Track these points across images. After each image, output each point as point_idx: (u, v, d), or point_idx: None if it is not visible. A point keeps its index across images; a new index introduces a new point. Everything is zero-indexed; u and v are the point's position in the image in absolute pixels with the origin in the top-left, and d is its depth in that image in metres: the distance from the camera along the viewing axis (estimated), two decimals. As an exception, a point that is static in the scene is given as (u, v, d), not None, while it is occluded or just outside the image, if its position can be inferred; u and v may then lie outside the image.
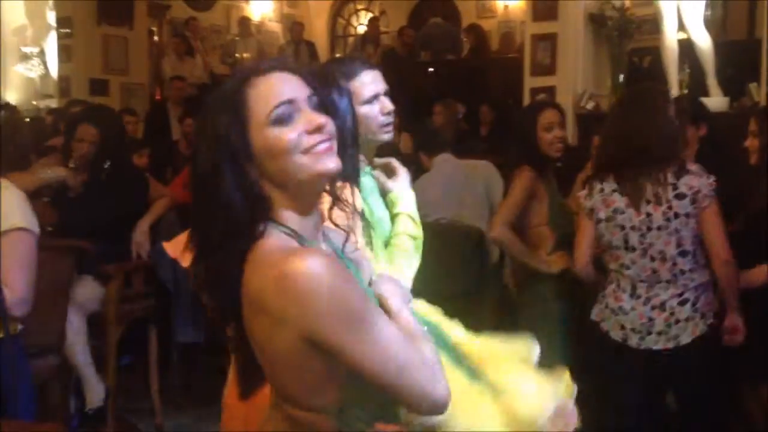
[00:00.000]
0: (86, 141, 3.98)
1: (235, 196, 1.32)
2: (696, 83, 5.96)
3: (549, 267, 3.28)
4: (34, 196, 3.79)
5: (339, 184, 1.50)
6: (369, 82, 2.12)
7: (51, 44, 9.38)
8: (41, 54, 9.76)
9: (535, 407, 1.74)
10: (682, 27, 5.92)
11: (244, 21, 11.44)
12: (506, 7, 11.84)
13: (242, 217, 1.32)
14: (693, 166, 2.79)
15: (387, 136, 2.19)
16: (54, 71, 9.39)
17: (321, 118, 1.35)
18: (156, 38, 10.57)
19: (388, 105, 2.14)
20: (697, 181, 2.75)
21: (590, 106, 6.41)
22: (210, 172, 1.33)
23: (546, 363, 3.29)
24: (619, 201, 2.83)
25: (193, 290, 1.45)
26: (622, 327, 2.88)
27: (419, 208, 2.21)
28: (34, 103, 9.72)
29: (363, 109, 2.09)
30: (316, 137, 1.34)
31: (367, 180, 2.12)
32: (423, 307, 1.91)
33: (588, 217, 2.94)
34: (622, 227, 2.84)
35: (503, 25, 11.59)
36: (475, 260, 4.15)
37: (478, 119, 7.93)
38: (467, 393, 1.66)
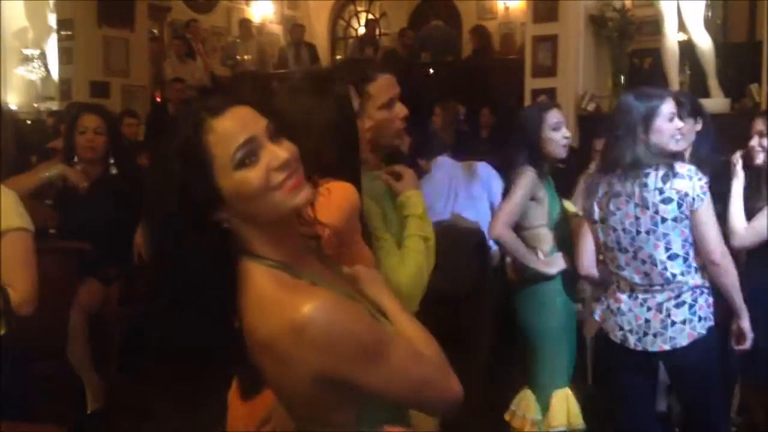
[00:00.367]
0: (90, 130, 3.95)
1: (203, 246, 1.28)
2: (697, 84, 5.97)
3: (548, 268, 3.28)
4: (36, 197, 3.81)
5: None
6: (386, 87, 2.10)
7: (52, 46, 9.38)
8: (42, 56, 9.77)
9: None
10: (682, 28, 5.93)
11: (245, 23, 11.46)
12: (507, 8, 11.85)
13: (215, 264, 1.29)
14: (683, 168, 2.74)
15: (398, 143, 2.19)
16: (55, 73, 9.39)
17: (284, 153, 1.30)
18: (156, 34, 10.57)
19: (403, 110, 2.12)
20: (685, 184, 2.71)
21: (591, 107, 6.42)
22: (170, 224, 1.28)
23: (546, 364, 3.32)
24: (612, 203, 2.84)
25: None
26: (621, 328, 2.88)
27: None
28: (35, 105, 9.73)
29: (380, 114, 2.08)
30: (284, 173, 1.29)
31: (379, 184, 2.11)
32: None
33: (588, 218, 2.95)
34: (614, 229, 2.85)
35: (504, 27, 11.59)
36: (475, 261, 4.14)
37: (478, 121, 7.94)
38: None
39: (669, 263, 2.77)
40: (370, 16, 13.03)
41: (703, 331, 2.78)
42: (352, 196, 1.77)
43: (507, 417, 3.42)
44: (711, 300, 2.83)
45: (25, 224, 2.56)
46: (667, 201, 2.73)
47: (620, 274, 2.88)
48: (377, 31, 12.77)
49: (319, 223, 1.47)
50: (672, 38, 5.94)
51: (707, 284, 2.82)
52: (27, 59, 9.76)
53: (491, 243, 3.81)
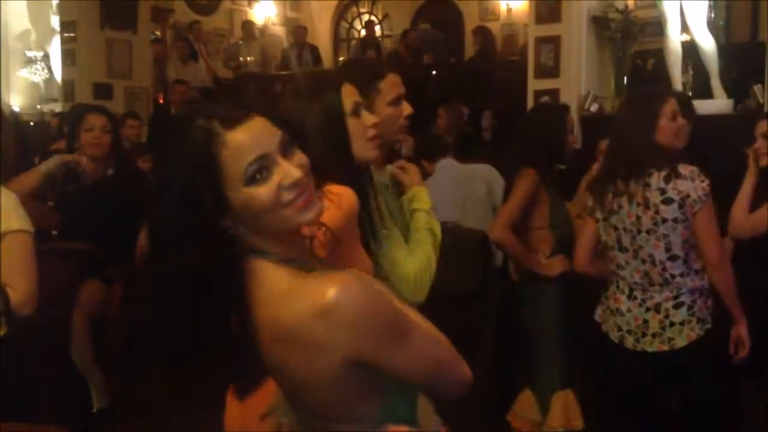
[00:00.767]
0: (97, 128, 3.98)
1: (206, 249, 1.27)
2: (699, 85, 5.96)
3: (548, 270, 3.29)
4: (39, 197, 3.81)
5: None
6: (394, 84, 2.19)
7: (55, 48, 9.41)
8: (45, 58, 9.80)
9: None
10: (685, 29, 5.92)
11: (248, 25, 11.47)
12: (509, 9, 11.86)
13: (220, 266, 1.28)
14: (685, 170, 2.73)
15: (401, 138, 2.27)
16: (58, 75, 9.41)
17: (297, 173, 1.29)
18: (159, 36, 10.58)
19: (408, 108, 2.21)
20: (687, 185, 2.71)
21: (594, 108, 6.41)
22: (175, 231, 1.28)
23: (546, 365, 3.32)
24: (614, 202, 2.84)
25: None
26: (619, 328, 2.88)
27: None
28: (39, 107, 9.76)
29: (388, 110, 2.16)
30: (294, 191, 1.29)
31: (381, 180, 2.15)
32: None
33: (590, 216, 2.96)
34: (616, 228, 2.85)
35: (506, 28, 11.61)
36: (478, 263, 4.15)
37: (480, 122, 7.93)
38: None
39: (669, 264, 2.77)
40: (371, 18, 13.02)
41: (702, 333, 2.78)
42: (351, 200, 1.79)
43: (509, 417, 3.42)
44: (710, 302, 2.83)
45: (25, 226, 2.56)
46: (668, 201, 2.72)
47: (619, 274, 2.88)
48: (380, 33, 12.79)
49: (321, 225, 1.47)
50: (675, 39, 5.93)
51: (707, 286, 2.82)
52: (30, 61, 9.80)
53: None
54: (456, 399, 1.41)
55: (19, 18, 9.79)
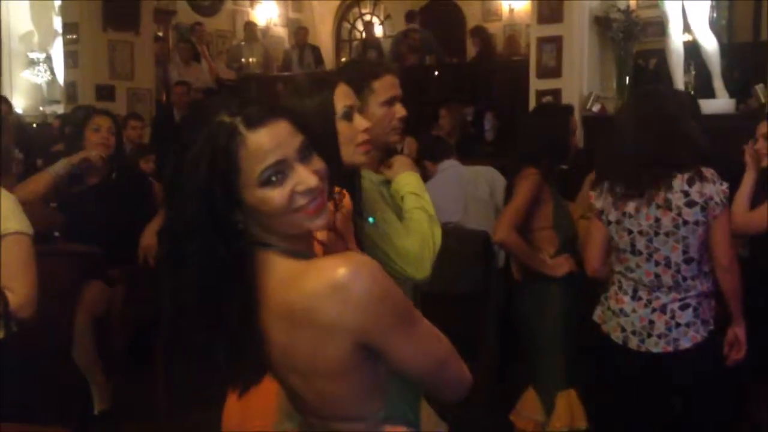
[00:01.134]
0: (104, 129, 4.00)
1: (214, 246, 1.28)
2: (701, 85, 5.95)
3: (553, 270, 3.28)
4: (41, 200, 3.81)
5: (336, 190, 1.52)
6: (390, 85, 2.21)
7: (57, 50, 9.42)
8: (48, 60, 9.81)
9: None
10: (687, 29, 5.92)
11: (250, 26, 11.47)
12: (511, 10, 11.85)
13: (230, 260, 1.29)
14: (707, 172, 2.73)
15: (395, 140, 2.27)
16: (60, 77, 9.43)
17: (313, 180, 1.30)
18: (162, 38, 10.59)
19: (401, 110, 2.22)
20: (710, 188, 2.71)
21: (596, 108, 6.41)
22: (187, 223, 1.28)
23: (550, 365, 3.31)
24: (629, 205, 2.81)
25: None
26: (623, 329, 2.87)
27: None
28: (41, 108, 9.77)
29: (380, 110, 2.19)
30: (307, 197, 1.30)
31: (367, 183, 2.14)
32: None
33: (598, 218, 2.92)
34: (630, 231, 2.82)
35: (508, 28, 11.61)
36: (480, 263, 4.15)
37: (482, 123, 7.93)
38: None
39: (683, 266, 2.76)
40: (371, 19, 13.02)
41: (706, 334, 2.78)
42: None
43: (512, 417, 3.42)
44: (713, 304, 2.83)
45: (24, 228, 2.56)
46: (691, 204, 2.71)
47: (627, 275, 2.87)
48: (382, 34, 12.79)
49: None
50: (677, 39, 5.93)
51: (713, 289, 2.82)
52: (32, 63, 9.81)
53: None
54: (455, 401, 1.42)
55: (21, 19, 9.80)
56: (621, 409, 2.99)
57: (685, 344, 2.77)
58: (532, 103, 6.52)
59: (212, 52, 10.84)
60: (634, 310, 2.85)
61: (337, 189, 1.69)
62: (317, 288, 1.25)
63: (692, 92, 5.83)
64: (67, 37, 8.72)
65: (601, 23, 6.53)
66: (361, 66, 2.33)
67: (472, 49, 10.50)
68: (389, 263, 2.02)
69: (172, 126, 7.99)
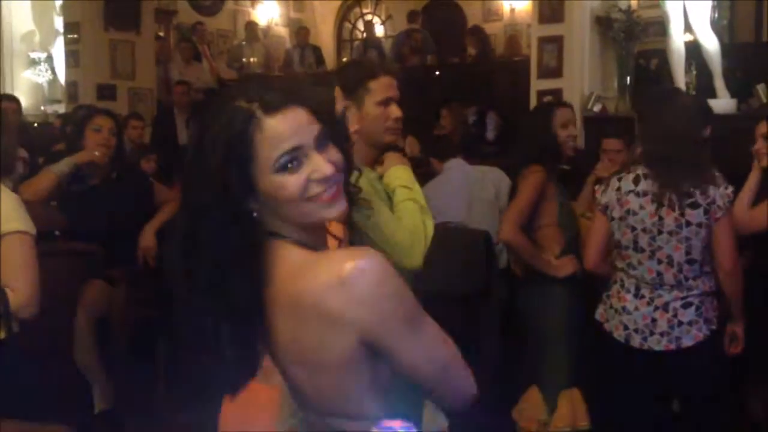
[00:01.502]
0: (105, 129, 4.00)
1: (228, 231, 1.28)
2: (703, 85, 5.95)
3: (557, 271, 3.27)
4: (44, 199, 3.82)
5: None
6: (386, 86, 2.24)
7: (58, 50, 9.42)
8: (49, 59, 9.81)
9: None
10: (689, 29, 5.91)
11: (251, 25, 11.46)
12: (512, 9, 11.84)
13: (243, 247, 1.29)
14: (714, 175, 2.76)
15: (390, 140, 2.29)
16: (62, 76, 9.43)
17: (328, 169, 1.30)
18: (163, 37, 10.59)
19: (397, 111, 2.25)
20: (714, 191, 2.73)
21: (597, 108, 6.41)
22: (203, 207, 1.29)
23: (553, 364, 3.31)
24: (634, 202, 2.82)
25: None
26: (625, 327, 2.88)
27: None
28: (42, 108, 9.78)
29: (376, 110, 2.22)
30: (322, 185, 1.30)
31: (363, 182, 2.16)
32: None
33: (602, 213, 2.93)
34: (633, 228, 2.83)
35: (510, 28, 11.59)
36: (482, 263, 4.15)
37: (484, 122, 7.92)
38: None
39: (686, 266, 2.77)
40: (373, 19, 13.01)
41: (708, 333, 2.79)
42: None
43: (514, 415, 3.42)
44: (716, 303, 2.83)
45: (25, 227, 2.55)
46: (694, 206, 2.72)
47: (629, 273, 2.87)
48: (383, 34, 12.78)
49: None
50: (678, 39, 5.92)
51: (715, 289, 2.82)
52: (34, 62, 9.82)
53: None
54: (457, 409, 1.40)
55: (22, 19, 9.80)
56: (622, 407, 2.99)
57: (687, 342, 2.78)
58: (533, 103, 6.52)
59: (213, 52, 10.83)
60: (636, 308, 2.85)
61: None
62: (325, 280, 1.24)
63: (693, 92, 5.83)
64: (69, 36, 8.73)
65: (603, 23, 6.53)
66: (359, 66, 2.39)
67: (472, 50, 10.50)
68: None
69: (173, 126, 7.99)
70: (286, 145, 1.28)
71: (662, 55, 6.26)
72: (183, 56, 9.70)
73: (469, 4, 12.15)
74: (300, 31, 11.45)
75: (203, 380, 1.37)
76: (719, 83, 5.83)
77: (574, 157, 3.48)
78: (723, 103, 5.73)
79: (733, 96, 5.85)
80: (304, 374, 1.33)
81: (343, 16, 13.70)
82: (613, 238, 2.93)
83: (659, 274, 2.81)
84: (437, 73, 9.38)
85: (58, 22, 9.40)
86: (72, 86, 8.76)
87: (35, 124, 9.03)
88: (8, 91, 8.95)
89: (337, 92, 2.03)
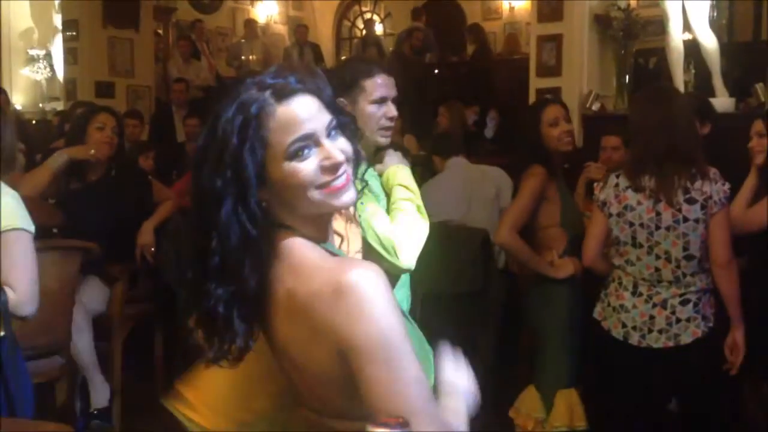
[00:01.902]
0: (108, 127, 3.99)
1: (239, 217, 1.28)
2: (702, 84, 5.95)
3: (556, 272, 3.26)
4: (41, 196, 3.81)
5: None
6: (381, 85, 2.23)
7: (57, 47, 9.42)
8: (47, 57, 9.80)
9: None
10: (687, 28, 5.91)
11: (250, 23, 11.46)
12: (512, 8, 11.85)
13: (249, 234, 1.29)
14: (710, 171, 2.77)
15: (383, 140, 2.28)
16: (60, 74, 9.42)
17: (339, 155, 1.31)
18: (161, 35, 10.58)
19: (392, 111, 2.24)
20: (710, 187, 2.74)
21: (596, 107, 6.40)
22: (215, 193, 1.29)
23: (552, 363, 3.31)
24: (632, 198, 2.83)
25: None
26: (624, 325, 2.88)
27: (428, 209, 2.28)
28: (41, 105, 9.77)
29: (370, 108, 2.21)
30: (333, 173, 1.31)
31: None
32: None
33: (600, 209, 2.94)
34: (631, 224, 2.84)
35: (509, 27, 11.61)
36: (481, 261, 4.15)
37: (484, 121, 7.93)
38: None
39: (684, 262, 2.78)
40: (372, 17, 13.02)
41: (706, 330, 2.80)
42: None
43: (511, 414, 3.42)
44: (713, 301, 2.83)
45: (25, 225, 2.54)
46: (691, 201, 2.74)
47: (627, 270, 2.88)
48: (382, 31, 12.78)
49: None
50: (677, 38, 5.92)
51: (713, 286, 2.82)
52: (32, 60, 9.81)
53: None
54: None
55: (21, 16, 9.79)
56: (621, 404, 3.00)
57: (685, 339, 2.79)
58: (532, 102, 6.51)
59: (212, 50, 10.83)
60: (634, 306, 2.86)
61: None
62: (319, 286, 1.24)
63: (692, 91, 5.83)
64: (67, 34, 8.72)
65: (602, 22, 6.52)
66: (354, 64, 2.37)
67: (471, 48, 10.50)
68: (370, 252, 2.02)
69: (171, 124, 7.98)
70: (299, 131, 1.29)
71: (661, 53, 6.26)
72: (182, 54, 9.69)
73: (468, 3, 12.16)
74: (299, 29, 11.45)
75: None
76: (718, 82, 5.82)
77: (572, 155, 3.46)
78: (721, 101, 5.72)
79: (731, 95, 5.84)
80: (296, 374, 1.34)
81: (342, 14, 13.71)
82: (610, 235, 2.93)
83: (657, 270, 2.82)
84: (436, 71, 9.37)
85: (57, 20, 9.38)
86: (71, 83, 8.75)
87: (33, 122, 9.03)
88: (6, 88, 8.93)
89: None
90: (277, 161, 1.29)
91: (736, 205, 3.15)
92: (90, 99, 7.80)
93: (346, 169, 1.33)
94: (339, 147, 1.32)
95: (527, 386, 3.38)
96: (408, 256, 2.14)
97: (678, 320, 2.79)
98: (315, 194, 1.30)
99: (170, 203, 4.29)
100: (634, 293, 2.87)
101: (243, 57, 10.70)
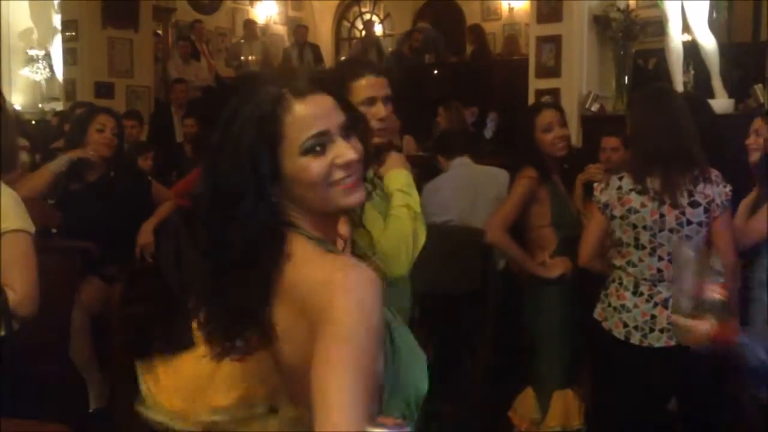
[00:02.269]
0: (108, 129, 4.00)
1: (255, 214, 1.30)
2: (700, 85, 5.95)
3: (547, 272, 3.27)
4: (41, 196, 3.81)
5: None
6: (367, 86, 2.20)
7: (56, 47, 9.41)
8: (47, 57, 9.80)
9: None
10: (687, 29, 5.91)
11: (249, 24, 11.45)
12: (511, 9, 11.85)
13: (264, 230, 1.31)
14: (712, 174, 2.78)
15: (379, 140, 2.25)
16: (60, 74, 9.42)
17: (352, 154, 1.34)
18: (161, 35, 10.58)
19: (380, 112, 2.21)
20: (713, 189, 2.75)
21: (595, 108, 6.40)
22: (232, 188, 1.31)
23: (546, 364, 3.32)
24: (636, 200, 2.83)
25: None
26: (625, 325, 2.88)
27: (432, 208, 2.26)
28: (40, 106, 9.76)
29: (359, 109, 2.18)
30: (345, 171, 1.33)
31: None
32: None
33: (600, 211, 2.94)
34: (635, 226, 2.85)
35: (508, 27, 11.61)
36: (480, 262, 4.15)
37: (483, 121, 7.92)
38: None
39: None
40: (371, 17, 13.02)
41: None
42: None
43: (510, 414, 3.42)
44: None
45: (24, 226, 2.55)
46: (694, 204, 2.74)
47: (628, 270, 2.88)
48: (382, 32, 12.78)
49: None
50: (676, 39, 5.92)
51: None
52: (32, 60, 9.80)
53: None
54: None
55: (21, 16, 9.79)
56: (622, 404, 3.00)
57: None
58: (531, 102, 6.51)
59: (212, 50, 10.83)
60: (635, 306, 2.86)
61: None
62: (316, 278, 1.26)
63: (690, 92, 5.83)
64: (67, 34, 8.72)
65: (601, 23, 6.52)
66: (341, 66, 2.37)
67: (470, 48, 10.51)
68: (364, 258, 2.02)
69: (171, 124, 7.99)
70: (314, 128, 1.32)
71: (660, 54, 6.26)
72: (181, 54, 9.69)
73: (467, 3, 12.16)
74: (298, 30, 11.45)
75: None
76: (717, 83, 5.83)
77: (570, 157, 3.47)
78: (721, 102, 5.73)
79: (730, 96, 5.84)
80: (290, 370, 1.35)
81: (341, 15, 13.70)
82: (609, 236, 2.93)
83: (659, 270, 2.83)
84: (435, 71, 9.37)
85: (57, 20, 9.39)
86: (70, 84, 8.75)
87: (33, 122, 9.02)
88: (5, 88, 8.94)
89: None
90: (292, 156, 1.32)
91: (737, 216, 3.14)
92: (89, 99, 7.81)
93: (358, 169, 1.35)
94: (353, 146, 1.35)
95: (525, 387, 3.39)
96: (401, 265, 2.13)
97: (679, 319, 2.79)
98: (326, 191, 1.33)
99: (170, 203, 4.30)
100: (635, 293, 2.87)
101: (242, 57, 10.69)
